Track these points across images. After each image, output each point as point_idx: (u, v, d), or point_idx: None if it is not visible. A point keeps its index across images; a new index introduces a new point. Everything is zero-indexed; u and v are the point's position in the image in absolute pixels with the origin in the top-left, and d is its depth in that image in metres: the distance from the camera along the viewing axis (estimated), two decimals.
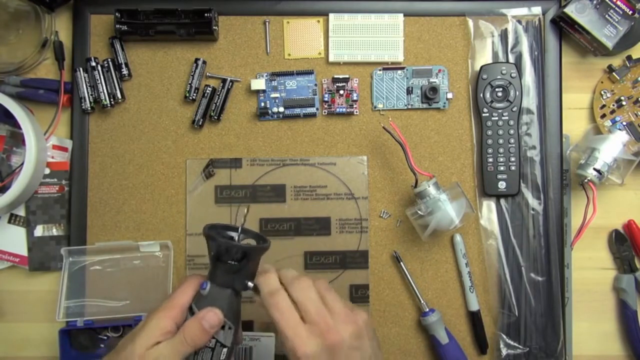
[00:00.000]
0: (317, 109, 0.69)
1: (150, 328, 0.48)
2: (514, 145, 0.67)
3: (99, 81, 0.67)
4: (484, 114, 0.68)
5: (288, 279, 0.51)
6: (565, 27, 0.68)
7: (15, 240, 0.68)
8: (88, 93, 0.68)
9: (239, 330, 0.52)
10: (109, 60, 0.68)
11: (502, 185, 0.67)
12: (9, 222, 0.68)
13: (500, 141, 0.67)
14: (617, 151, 0.65)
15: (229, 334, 0.50)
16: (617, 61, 0.70)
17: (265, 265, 0.53)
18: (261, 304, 0.50)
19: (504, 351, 0.68)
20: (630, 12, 0.65)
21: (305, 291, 0.50)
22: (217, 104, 0.68)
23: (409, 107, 0.69)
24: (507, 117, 0.67)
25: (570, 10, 0.65)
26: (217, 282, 0.50)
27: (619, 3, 0.65)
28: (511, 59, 0.69)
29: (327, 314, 0.49)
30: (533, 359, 0.68)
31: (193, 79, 0.68)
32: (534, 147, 0.68)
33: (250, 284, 0.51)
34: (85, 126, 0.69)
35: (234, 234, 0.53)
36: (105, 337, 0.68)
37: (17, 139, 0.68)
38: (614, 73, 0.69)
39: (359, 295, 0.69)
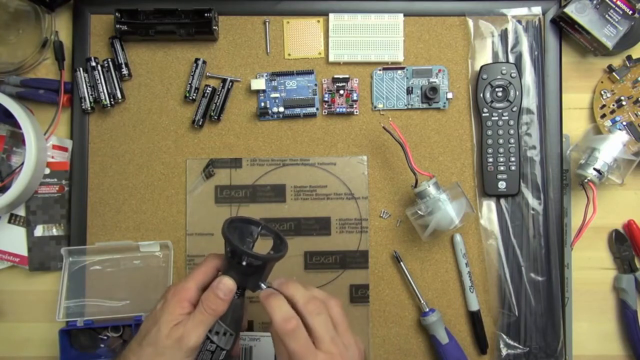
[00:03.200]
0: (317, 109, 0.69)
1: (170, 309, 0.50)
2: (514, 145, 0.67)
3: (99, 81, 0.67)
4: (484, 114, 0.68)
5: (300, 299, 0.50)
6: (565, 27, 0.68)
7: (15, 240, 0.68)
8: (88, 93, 0.68)
9: (238, 339, 0.54)
10: (109, 60, 0.68)
11: (502, 185, 0.67)
12: (9, 222, 0.68)
13: (500, 141, 0.67)
14: (617, 151, 0.65)
15: (230, 339, 0.52)
16: (617, 61, 0.70)
17: (277, 280, 0.53)
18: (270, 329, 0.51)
19: (504, 351, 0.68)
20: (630, 12, 0.65)
21: (320, 317, 0.49)
22: (217, 104, 0.68)
23: (409, 107, 0.69)
24: (507, 117, 0.67)
25: (570, 10, 0.65)
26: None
27: (619, 3, 0.65)
28: (511, 59, 0.69)
29: (340, 343, 0.49)
30: (533, 359, 0.68)
31: (193, 79, 0.68)
32: (534, 147, 0.68)
33: (263, 285, 0.52)
34: (85, 126, 0.69)
35: (254, 229, 0.54)
36: (105, 337, 0.68)
37: (17, 139, 0.68)
38: (614, 73, 0.69)
39: (359, 295, 0.69)
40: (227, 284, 0.50)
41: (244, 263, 0.50)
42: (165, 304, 0.51)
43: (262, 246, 0.55)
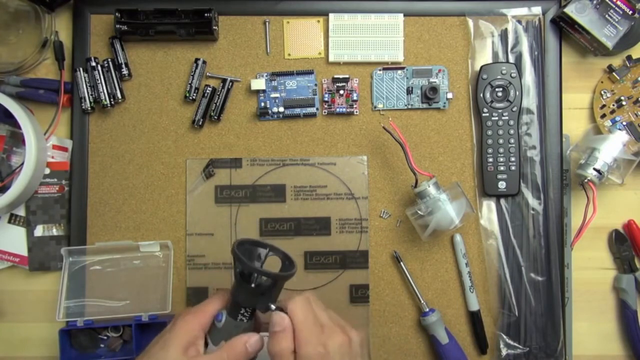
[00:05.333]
0: (317, 109, 0.69)
1: (179, 332, 0.49)
2: (514, 145, 0.67)
3: (99, 81, 0.67)
4: (484, 114, 0.68)
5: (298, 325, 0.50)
6: (565, 27, 0.68)
7: (15, 240, 0.68)
8: (88, 93, 0.68)
9: None
10: (109, 60, 0.68)
11: (502, 185, 0.67)
12: (9, 222, 0.68)
13: (500, 141, 0.67)
14: (617, 151, 0.65)
15: None
16: (617, 61, 0.70)
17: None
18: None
19: (504, 351, 0.68)
20: (630, 12, 0.65)
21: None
22: (217, 104, 0.68)
23: (409, 107, 0.69)
24: (507, 117, 0.67)
25: (570, 10, 0.65)
26: (240, 301, 0.51)
27: (619, 3, 0.65)
28: (511, 59, 0.69)
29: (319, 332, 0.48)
30: (533, 359, 0.68)
31: (193, 79, 0.68)
32: (534, 147, 0.68)
33: (272, 306, 0.51)
34: (85, 126, 0.69)
35: (262, 251, 0.53)
36: (105, 337, 0.68)
37: (17, 139, 0.68)
38: (614, 73, 0.69)
39: (359, 295, 0.69)
40: (258, 342, 0.50)
41: (253, 285, 0.50)
42: (176, 324, 0.50)
43: (270, 267, 0.55)
